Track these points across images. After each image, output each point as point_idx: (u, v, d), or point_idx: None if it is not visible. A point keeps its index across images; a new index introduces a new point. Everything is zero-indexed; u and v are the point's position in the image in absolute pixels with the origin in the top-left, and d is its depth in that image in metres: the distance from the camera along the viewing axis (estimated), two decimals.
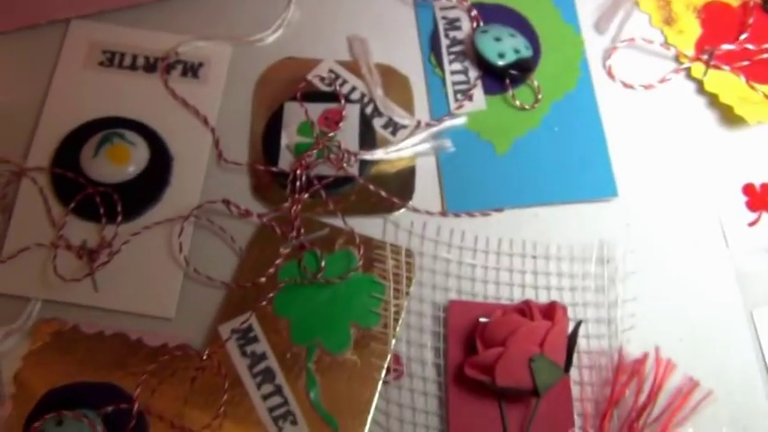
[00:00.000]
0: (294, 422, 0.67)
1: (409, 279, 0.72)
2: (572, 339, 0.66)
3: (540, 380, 0.65)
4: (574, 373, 0.69)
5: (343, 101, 0.77)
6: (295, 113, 0.76)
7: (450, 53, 0.81)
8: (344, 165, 0.73)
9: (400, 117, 0.77)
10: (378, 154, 0.74)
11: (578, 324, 0.67)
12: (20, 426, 0.65)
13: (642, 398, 0.68)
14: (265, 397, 0.67)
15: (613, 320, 0.72)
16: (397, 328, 0.70)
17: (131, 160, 0.72)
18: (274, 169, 0.74)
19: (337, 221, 0.73)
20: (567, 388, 0.69)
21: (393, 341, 0.70)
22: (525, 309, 0.67)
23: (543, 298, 0.70)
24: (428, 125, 0.77)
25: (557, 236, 0.74)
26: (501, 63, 0.78)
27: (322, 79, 0.79)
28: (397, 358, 0.70)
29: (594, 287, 0.72)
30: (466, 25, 0.82)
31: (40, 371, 0.68)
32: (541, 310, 0.67)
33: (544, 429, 0.68)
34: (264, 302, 0.69)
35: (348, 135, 0.76)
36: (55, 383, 0.67)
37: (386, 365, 0.69)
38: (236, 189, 0.74)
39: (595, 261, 0.74)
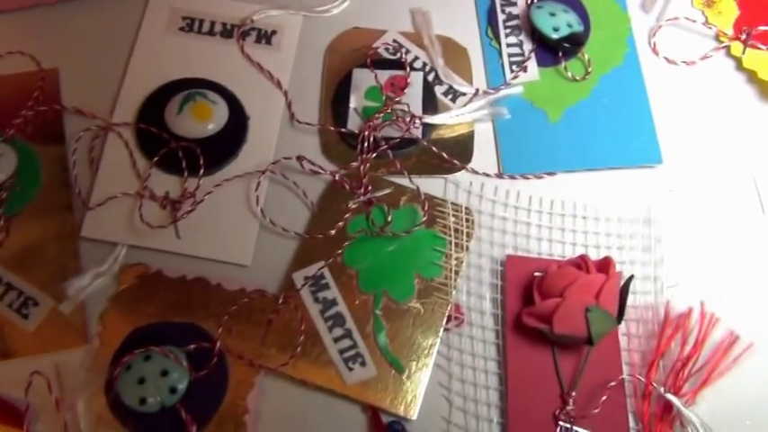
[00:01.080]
0: (363, 363, 0.67)
1: (468, 235, 0.72)
2: (624, 292, 0.66)
3: (594, 329, 0.65)
4: (621, 325, 0.69)
5: (408, 68, 0.76)
6: (363, 79, 0.76)
7: (506, 27, 0.81)
8: (411, 127, 0.73)
9: (460, 85, 0.77)
10: (442, 118, 0.74)
11: (630, 278, 0.67)
12: (107, 361, 0.66)
13: (687, 350, 0.68)
14: (336, 339, 0.68)
15: (659, 278, 0.72)
16: (458, 280, 0.70)
17: (213, 118, 0.72)
18: (344, 130, 0.74)
19: (401, 180, 0.73)
20: (615, 339, 0.69)
21: (454, 292, 0.70)
22: (581, 263, 0.67)
23: (593, 256, 0.70)
24: (486, 93, 0.77)
25: (605, 198, 0.74)
26: (555, 36, 0.78)
27: (386, 48, 0.79)
28: (457, 307, 0.70)
29: (641, 247, 0.73)
30: (520, 2, 0.82)
31: (126, 311, 0.68)
32: (596, 265, 0.67)
33: (594, 376, 0.68)
34: (337, 253, 0.69)
35: (412, 100, 0.75)
36: (139, 323, 0.67)
37: (447, 314, 0.69)
38: (307, 148, 0.74)
39: (642, 223, 0.74)
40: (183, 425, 0.63)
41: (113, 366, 0.65)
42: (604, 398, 0.66)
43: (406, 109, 0.74)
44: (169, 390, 0.63)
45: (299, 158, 0.72)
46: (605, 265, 0.67)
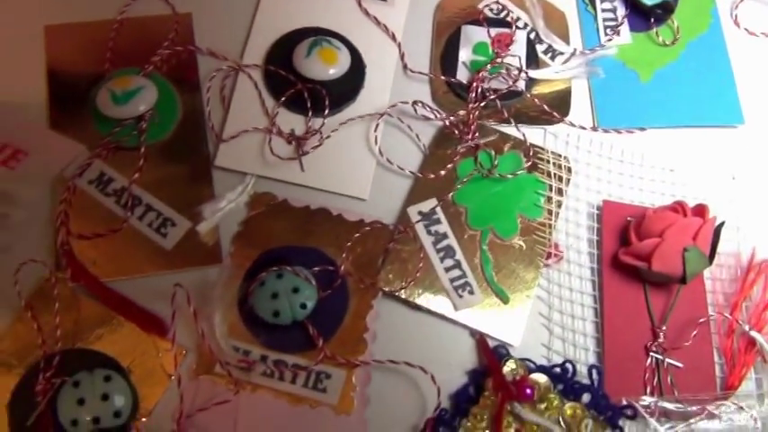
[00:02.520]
0: (471, 292, 0.67)
1: (567, 181, 0.72)
2: (716, 235, 0.66)
3: (689, 268, 0.65)
4: (706, 269, 0.68)
5: (513, 27, 0.76)
6: (472, 35, 0.76)
7: None
8: (520, 78, 0.72)
9: (559, 45, 0.77)
10: (545, 73, 0.74)
11: (721, 224, 0.67)
12: (239, 279, 0.66)
13: None
14: (447, 269, 0.68)
15: (741, 228, 0.71)
16: (557, 221, 0.70)
17: (337, 63, 0.71)
18: (454, 80, 0.74)
19: (504, 129, 0.73)
20: (701, 281, 0.69)
21: (553, 231, 0.70)
22: (678, 207, 0.67)
23: None
24: (582, 54, 0.76)
25: (692, 154, 0.74)
26: (649, 3, 0.77)
27: (491, 9, 0.78)
28: (556, 246, 0.70)
29: (725, 199, 0.72)
30: None
31: (256, 235, 0.68)
32: (692, 210, 0.67)
33: (682, 314, 0.67)
34: (449, 192, 0.69)
35: (516, 57, 0.75)
36: (268, 247, 0.67)
37: (547, 251, 0.69)
38: (417, 96, 0.73)
39: (725, 176, 0.73)
40: (310, 338, 0.63)
41: (247, 283, 0.65)
42: (695, 332, 0.66)
43: (521, 58, 0.74)
44: (300, 305, 0.63)
45: (415, 103, 0.71)
46: (701, 210, 0.66)
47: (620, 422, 0.63)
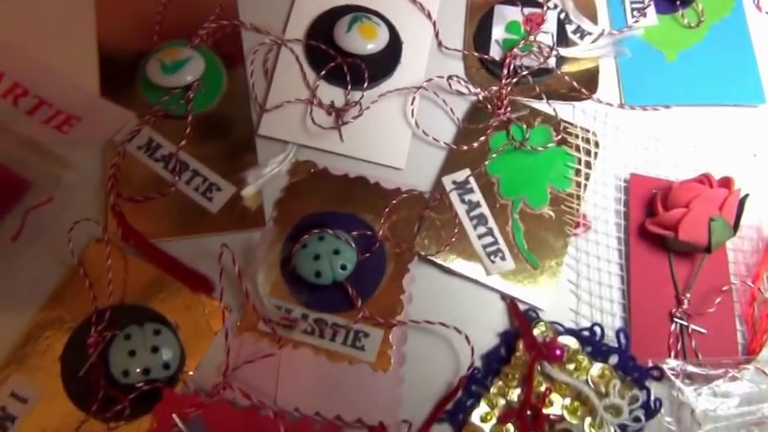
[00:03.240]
0: (503, 258, 0.67)
1: (595, 155, 0.72)
2: (741, 207, 0.66)
3: (715, 237, 0.64)
4: (728, 241, 0.68)
5: (545, 7, 0.76)
6: (505, 14, 0.76)
7: None
8: (551, 56, 0.72)
9: (587, 25, 0.76)
10: (574, 51, 0.74)
11: (746, 195, 0.66)
12: (281, 241, 0.66)
13: None
14: (480, 236, 0.68)
15: (762, 202, 0.71)
16: (585, 193, 0.70)
17: (376, 38, 0.71)
18: (487, 57, 0.74)
19: (535, 104, 0.73)
20: (724, 252, 0.69)
21: (582, 202, 0.69)
22: (704, 179, 0.67)
23: None
24: (610, 34, 0.76)
25: (715, 131, 0.74)
26: None
27: None
28: (584, 216, 0.70)
29: (746, 175, 0.71)
30: None
31: (297, 200, 0.68)
32: (717, 182, 0.66)
33: (705, 282, 0.67)
34: (483, 163, 0.69)
35: (547, 36, 0.75)
36: (309, 212, 0.68)
37: (575, 221, 0.69)
38: (451, 72, 0.73)
39: (746, 154, 0.73)
40: (349, 299, 0.64)
41: (289, 245, 0.65)
42: (719, 299, 0.66)
43: (553, 35, 0.74)
44: (340, 266, 0.63)
45: (450, 78, 0.71)
46: (726, 182, 0.66)
47: (647, 383, 0.62)
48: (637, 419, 0.61)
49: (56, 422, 0.59)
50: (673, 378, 0.62)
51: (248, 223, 0.67)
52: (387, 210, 0.67)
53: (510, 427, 0.62)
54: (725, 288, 0.66)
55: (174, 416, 0.59)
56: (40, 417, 0.60)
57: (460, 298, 0.66)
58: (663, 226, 0.66)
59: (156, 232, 0.66)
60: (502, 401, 0.62)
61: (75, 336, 0.62)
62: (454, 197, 0.68)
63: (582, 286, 0.67)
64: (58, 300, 0.63)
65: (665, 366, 0.62)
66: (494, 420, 0.62)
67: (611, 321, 0.66)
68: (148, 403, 0.60)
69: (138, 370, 0.59)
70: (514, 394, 0.62)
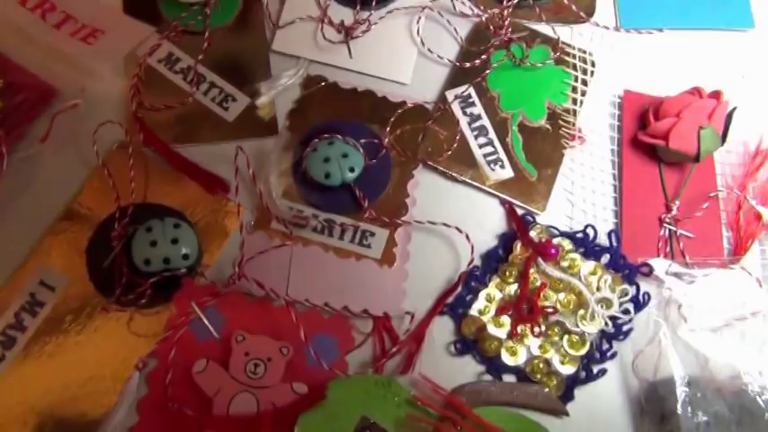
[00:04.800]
0: (502, 166, 0.67)
1: (591, 72, 0.71)
2: (729, 118, 0.65)
3: (704, 146, 0.64)
4: (716, 153, 0.68)
5: None
6: None
7: None
8: None
9: None
10: None
11: (735, 108, 0.66)
12: (293, 148, 0.65)
13: None
14: (480, 146, 0.67)
15: (749, 119, 0.70)
16: (581, 108, 0.69)
17: None
18: None
19: (534, 26, 0.72)
20: (712, 165, 0.68)
21: (578, 117, 0.69)
22: (694, 92, 0.66)
23: None
24: None
25: (706, 54, 0.73)
26: None
27: None
28: (580, 130, 0.69)
29: (735, 96, 0.70)
30: None
31: (309, 111, 0.68)
32: (707, 95, 0.66)
33: (694, 191, 0.67)
34: (483, 75, 0.68)
35: None
36: (319, 121, 0.67)
37: (572, 134, 0.68)
38: None
39: (736, 76, 0.72)
40: (356, 200, 0.63)
41: (300, 149, 0.64)
42: (706, 205, 0.65)
43: None
44: (348, 169, 0.63)
45: None
46: (716, 94, 0.65)
47: (636, 279, 0.62)
48: (626, 312, 0.61)
49: (81, 309, 0.59)
50: (661, 275, 0.62)
51: (262, 131, 0.67)
52: (393, 119, 0.66)
53: (506, 318, 0.61)
54: (712, 194, 0.65)
55: (192, 303, 0.59)
56: (67, 303, 0.59)
57: (462, 203, 0.66)
58: (654, 136, 0.65)
59: (176, 138, 0.66)
60: (499, 296, 0.62)
61: (100, 230, 0.61)
62: (456, 110, 0.68)
63: (576, 194, 0.67)
64: (84, 197, 0.63)
65: (653, 263, 0.62)
66: (491, 313, 0.61)
67: (603, 226, 0.65)
68: (168, 293, 0.60)
69: (159, 259, 0.59)
70: (511, 290, 0.62)
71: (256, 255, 0.60)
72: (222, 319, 0.60)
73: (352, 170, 0.63)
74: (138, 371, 0.58)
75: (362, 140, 0.65)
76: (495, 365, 0.60)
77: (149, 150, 0.64)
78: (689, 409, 0.57)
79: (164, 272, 0.59)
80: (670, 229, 0.65)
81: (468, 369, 0.61)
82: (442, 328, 0.62)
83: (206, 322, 0.59)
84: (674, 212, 0.65)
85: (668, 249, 0.65)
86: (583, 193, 0.67)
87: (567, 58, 0.71)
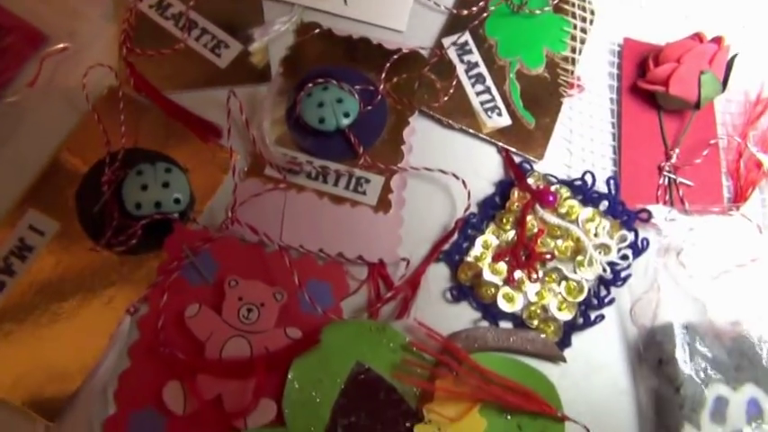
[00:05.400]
0: (500, 114, 0.65)
1: (591, 21, 0.69)
2: (730, 64, 0.64)
3: (704, 92, 0.63)
4: (717, 102, 0.66)
5: None
6: None
7: None
8: None
9: None
10: None
11: (736, 54, 0.64)
12: (287, 93, 0.64)
13: None
14: (478, 93, 0.66)
15: (750, 69, 0.69)
16: (580, 56, 0.68)
17: None
18: None
19: None
20: (711, 111, 0.67)
21: (576, 65, 0.67)
22: (695, 38, 0.65)
23: None
24: None
25: (707, 5, 0.72)
26: None
27: None
28: (579, 78, 0.68)
29: (736, 45, 0.69)
30: None
31: (303, 58, 0.67)
32: (709, 41, 0.64)
33: (693, 139, 0.66)
34: (481, 18, 0.67)
35: None
36: (313, 68, 0.65)
37: (570, 82, 0.67)
38: None
39: (737, 26, 0.71)
40: (351, 147, 0.62)
41: (294, 94, 0.63)
42: (706, 151, 0.64)
43: None
44: (343, 114, 0.61)
45: None
46: (717, 39, 0.64)
47: (635, 225, 0.61)
48: (624, 258, 0.60)
49: (70, 253, 0.58)
50: (659, 222, 0.61)
51: (255, 78, 0.65)
52: (388, 65, 0.64)
53: (503, 265, 0.60)
54: (713, 141, 0.64)
55: (184, 248, 0.58)
56: (55, 248, 0.58)
57: (458, 150, 0.65)
58: (653, 82, 0.64)
59: (167, 85, 0.64)
60: (496, 243, 0.61)
61: (90, 175, 0.60)
62: (453, 57, 0.67)
63: (575, 142, 0.66)
64: (74, 142, 0.61)
65: (652, 209, 0.60)
66: (488, 259, 0.60)
67: (601, 175, 0.64)
68: (160, 238, 0.59)
69: (151, 203, 0.58)
70: (508, 236, 0.61)
71: (249, 198, 0.59)
72: (215, 264, 0.59)
73: (346, 115, 0.61)
74: (129, 315, 0.57)
75: (357, 87, 0.63)
76: (491, 312, 0.59)
77: (140, 96, 0.63)
78: (687, 354, 0.56)
79: (155, 216, 0.57)
80: (669, 178, 0.64)
81: (464, 316, 0.60)
82: (438, 275, 0.61)
83: (198, 267, 0.58)
84: (673, 160, 0.64)
85: (667, 197, 0.64)
86: (581, 141, 0.66)
87: (565, 6, 0.69)
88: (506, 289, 0.60)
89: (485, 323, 0.60)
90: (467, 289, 0.60)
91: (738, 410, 0.55)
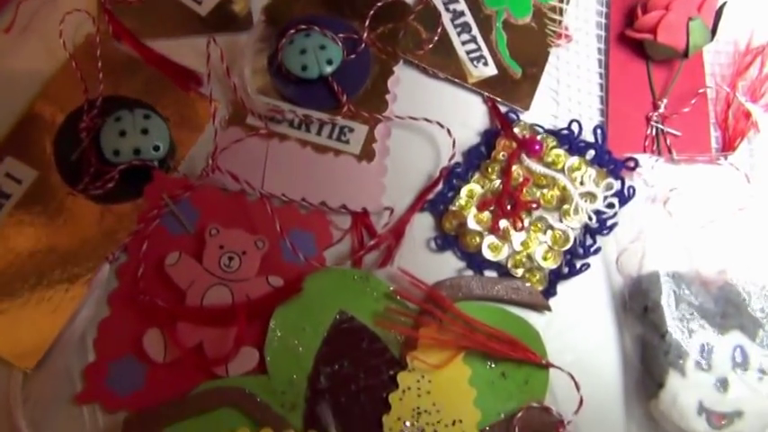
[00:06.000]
0: (486, 64, 0.64)
1: None
2: (719, 12, 0.63)
3: (693, 39, 0.62)
4: (705, 51, 0.66)
5: None
6: None
7: None
8: None
9: None
10: None
11: (725, 1, 0.63)
12: (269, 40, 0.63)
13: (765, 71, 0.65)
14: (463, 43, 0.65)
15: (739, 18, 0.68)
16: (568, 6, 0.67)
17: None
18: None
19: None
20: (700, 61, 0.66)
21: (564, 14, 0.66)
22: None
23: None
24: None
25: None
26: None
27: None
28: (566, 28, 0.67)
29: None
30: None
31: (285, 6, 0.65)
32: None
33: (682, 89, 0.65)
34: None
35: None
36: (296, 15, 0.64)
37: (558, 32, 0.66)
38: None
39: None
40: (335, 95, 0.61)
41: (276, 42, 0.62)
42: (695, 100, 0.63)
43: None
44: (326, 61, 0.60)
45: None
46: None
47: (621, 174, 0.61)
48: (611, 206, 0.59)
49: (48, 201, 0.57)
50: (646, 171, 0.60)
51: (236, 26, 0.64)
52: (372, 12, 0.63)
53: (488, 214, 0.60)
54: (701, 90, 0.63)
55: (164, 196, 0.57)
56: (33, 195, 0.57)
57: (444, 101, 0.64)
58: (641, 30, 0.63)
59: (147, 32, 0.63)
60: (481, 192, 0.60)
61: (68, 123, 0.59)
62: (439, 5, 0.66)
63: (562, 93, 0.65)
64: (52, 89, 0.60)
65: (639, 158, 0.60)
66: (473, 208, 0.60)
67: (589, 126, 0.63)
68: (139, 187, 0.58)
69: (129, 150, 0.57)
70: (494, 186, 0.60)
71: (230, 145, 0.58)
72: (196, 213, 0.58)
73: (329, 63, 0.60)
74: (108, 263, 0.56)
75: (341, 35, 0.62)
76: (476, 261, 0.59)
77: (119, 44, 0.61)
78: (673, 301, 0.56)
79: (134, 162, 0.56)
80: (657, 128, 0.63)
81: (448, 265, 0.59)
82: (423, 225, 0.60)
83: (178, 216, 0.57)
84: (661, 110, 0.63)
85: (655, 148, 0.63)
86: (568, 91, 0.65)
87: None
88: (491, 238, 0.59)
89: (469, 272, 0.59)
90: (451, 238, 0.60)
91: (724, 357, 0.55)
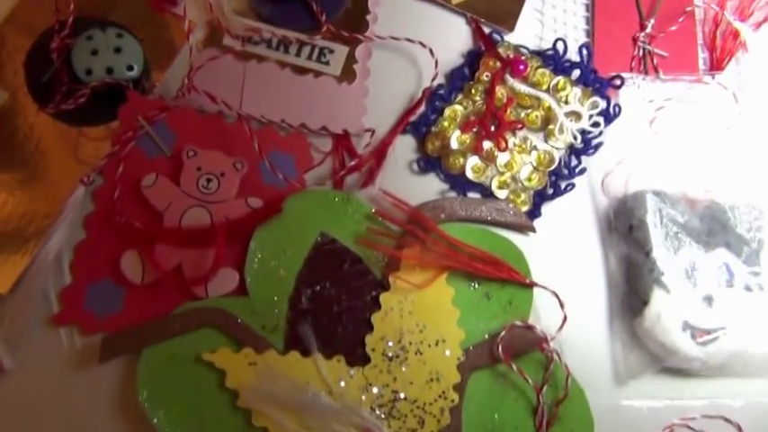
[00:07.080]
0: None
1: None
2: None
3: None
4: None
5: None
6: None
7: None
8: None
9: None
10: None
11: None
12: None
13: None
14: None
15: None
16: None
17: None
18: None
19: None
20: None
21: None
22: None
23: None
24: None
25: None
26: None
27: None
28: None
29: None
30: None
31: None
32: None
33: (669, 10, 0.64)
34: None
35: None
36: None
37: None
38: None
39: None
40: (313, 16, 0.59)
41: None
42: (682, 18, 0.62)
43: None
44: None
45: None
46: None
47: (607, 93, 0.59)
48: (596, 125, 0.58)
49: (21, 123, 0.56)
50: (633, 90, 0.59)
51: None
52: None
53: (471, 135, 0.58)
54: (689, 8, 0.62)
55: (139, 117, 0.56)
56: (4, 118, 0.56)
57: (426, 22, 0.62)
58: None
59: None
60: (464, 112, 0.59)
61: (38, 44, 0.58)
62: None
63: (547, 14, 0.64)
64: (21, 11, 0.58)
65: (626, 76, 0.59)
66: (456, 131, 0.58)
67: (574, 47, 0.62)
68: (114, 108, 0.56)
69: (102, 69, 0.55)
70: (477, 107, 0.59)
71: (206, 62, 0.57)
72: (172, 135, 0.57)
73: None
74: (83, 186, 0.55)
75: None
76: (459, 183, 0.58)
77: None
78: (658, 219, 0.55)
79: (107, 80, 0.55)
80: (644, 48, 0.62)
81: (431, 187, 0.58)
82: (406, 147, 0.59)
83: (154, 136, 0.55)
84: (648, 30, 0.62)
85: (642, 68, 0.62)
86: (553, 12, 0.64)
87: None
88: (475, 159, 0.58)
89: (453, 194, 0.58)
90: (434, 160, 0.59)
91: (709, 274, 0.54)
